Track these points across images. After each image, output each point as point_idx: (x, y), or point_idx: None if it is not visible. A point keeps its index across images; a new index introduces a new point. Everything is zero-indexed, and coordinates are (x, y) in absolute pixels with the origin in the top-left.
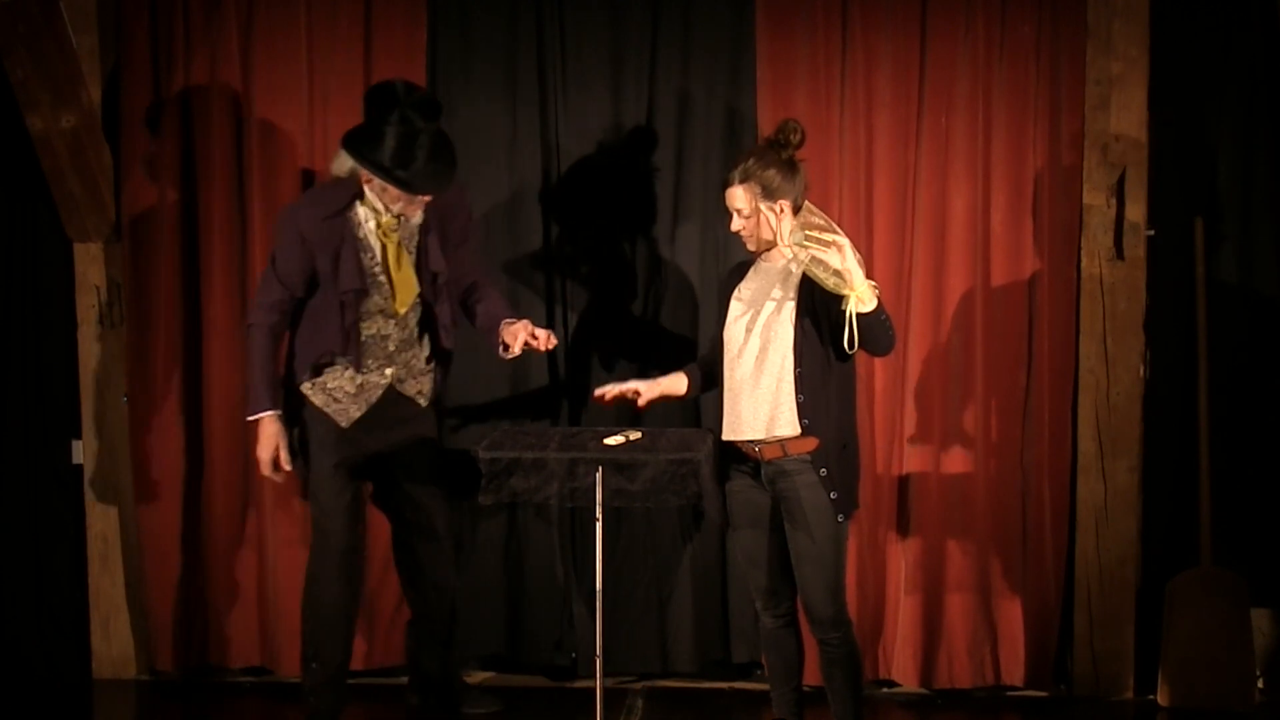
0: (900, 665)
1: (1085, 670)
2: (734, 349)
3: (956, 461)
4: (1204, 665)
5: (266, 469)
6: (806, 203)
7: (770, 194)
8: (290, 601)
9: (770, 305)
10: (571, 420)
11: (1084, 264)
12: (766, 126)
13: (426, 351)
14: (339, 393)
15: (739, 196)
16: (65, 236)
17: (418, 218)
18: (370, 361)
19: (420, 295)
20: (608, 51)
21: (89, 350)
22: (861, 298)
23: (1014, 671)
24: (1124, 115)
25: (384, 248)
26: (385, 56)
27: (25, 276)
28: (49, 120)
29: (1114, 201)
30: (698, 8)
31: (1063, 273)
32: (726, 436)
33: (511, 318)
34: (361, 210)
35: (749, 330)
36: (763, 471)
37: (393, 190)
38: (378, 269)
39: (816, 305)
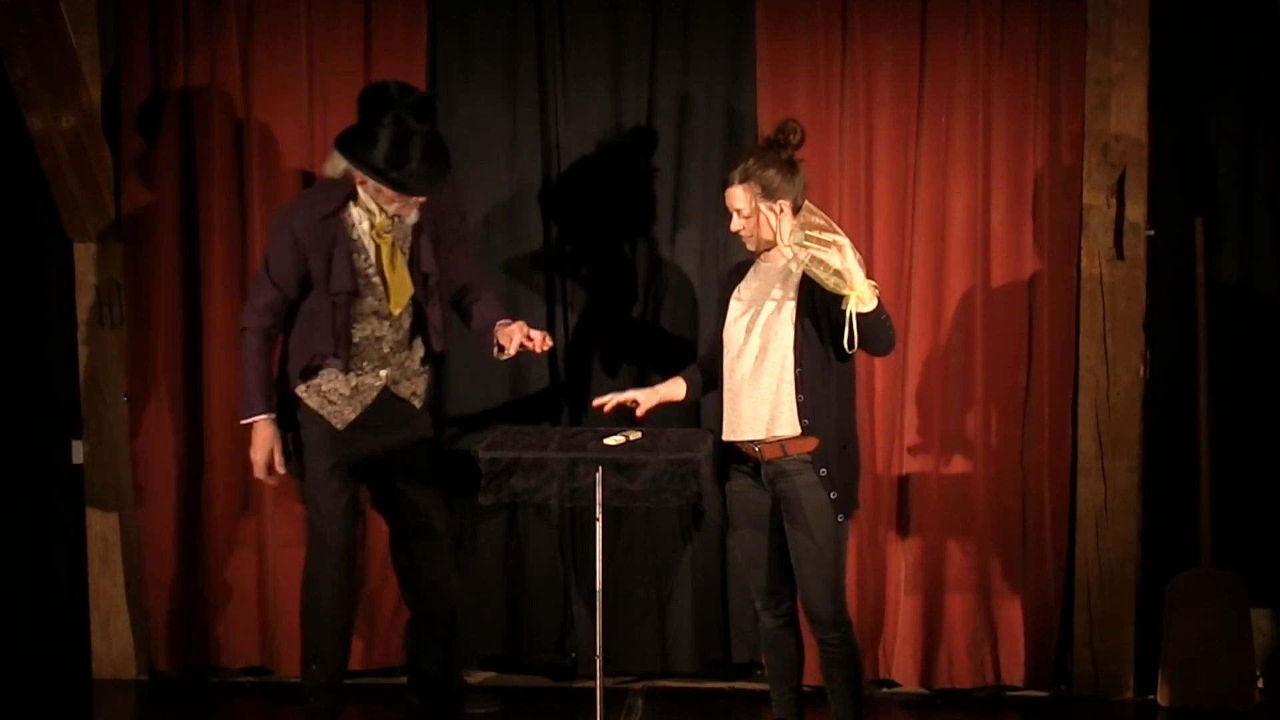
0: (900, 665)
1: (1085, 670)
2: (734, 349)
3: (956, 461)
4: (1204, 665)
5: (260, 472)
6: (806, 203)
7: (770, 194)
8: (290, 601)
9: (770, 305)
10: (572, 421)
11: (1084, 264)
12: (766, 126)
13: (421, 353)
14: (334, 395)
15: (738, 196)
16: (65, 236)
17: (412, 218)
18: (365, 363)
19: (413, 297)
20: (608, 51)
21: (89, 350)
22: (862, 297)
23: (1014, 671)
24: (1124, 115)
25: (378, 249)
26: (385, 56)
27: (25, 276)
28: (49, 120)
29: (1114, 201)
30: (698, 8)
31: (1063, 273)
32: (726, 437)
33: (506, 319)
34: (355, 211)
35: (749, 330)
36: (762, 471)
37: (387, 191)
38: (371, 270)
39: (816, 305)
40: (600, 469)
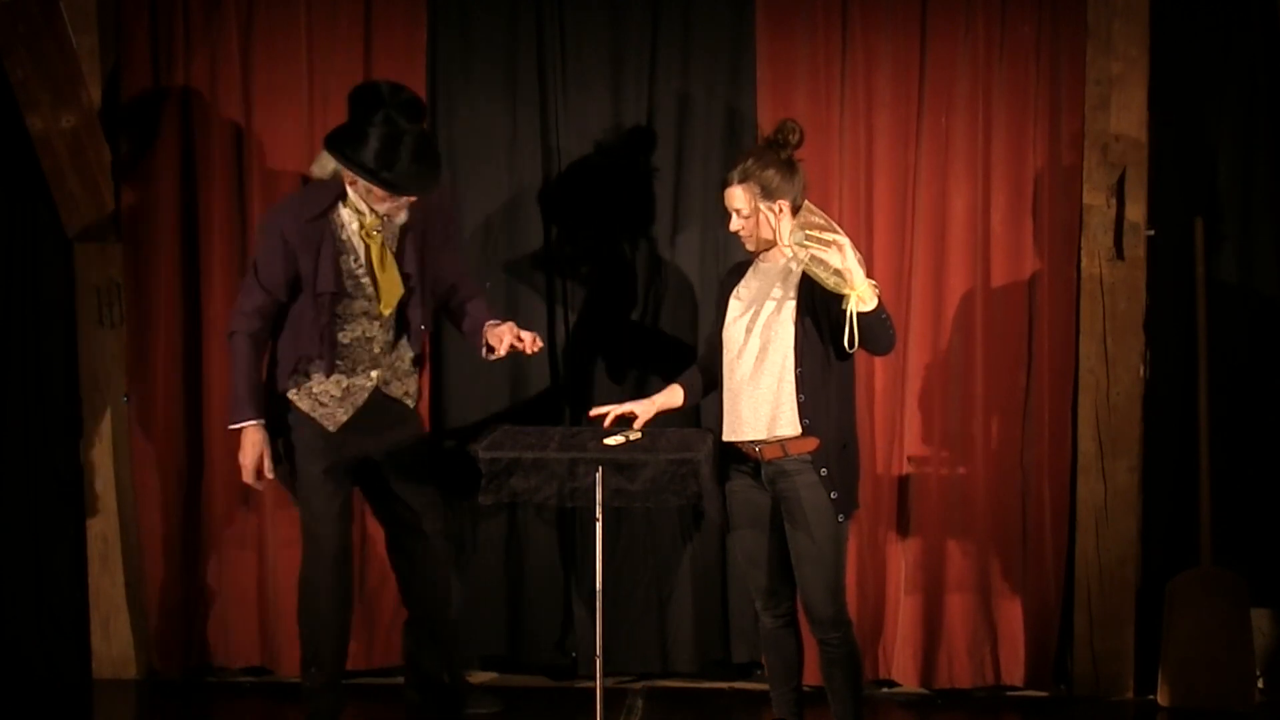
0: (900, 665)
1: (1085, 670)
2: (734, 349)
3: (956, 461)
4: (1204, 665)
5: (249, 477)
6: (806, 202)
7: (769, 194)
8: (290, 601)
9: (770, 305)
10: (572, 421)
11: (1084, 264)
12: (766, 126)
13: (411, 353)
14: (324, 396)
15: (738, 196)
16: (65, 236)
17: (401, 218)
18: (356, 364)
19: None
20: (608, 51)
21: (89, 350)
22: (862, 297)
23: (1014, 671)
24: (1124, 115)
25: (368, 249)
26: (385, 56)
27: (25, 276)
28: (49, 120)
29: (1114, 201)
30: (698, 8)
31: (1063, 273)
32: (727, 437)
33: (496, 320)
34: (345, 212)
35: (749, 330)
36: (763, 471)
37: (377, 191)
38: (361, 271)
39: (816, 304)
40: (600, 469)
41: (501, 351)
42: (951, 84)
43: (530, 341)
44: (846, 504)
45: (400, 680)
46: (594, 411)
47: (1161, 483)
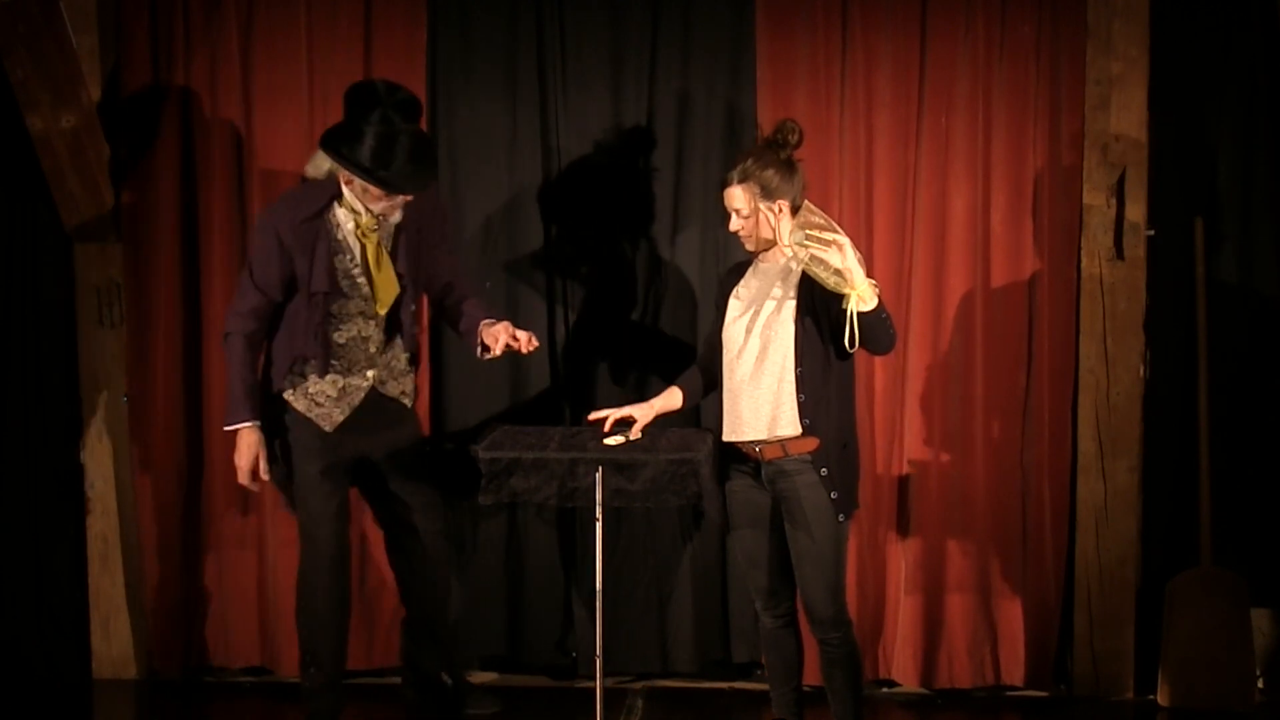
0: (900, 665)
1: (1085, 670)
2: (734, 349)
3: (956, 461)
4: (1204, 665)
5: (245, 478)
6: (806, 202)
7: (769, 194)
8: (290, 601)
9: (770, 305)
10: (572, 421)
11: (1084, 264)
12: (767, 126)
13: (407, 352)
14: (320, 397)
15: (737, 196)
16: (65, 236)
17: (396, 217)
18: (352, 364)
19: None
20: (608, 51)
21: (89, 350)
22: (862, 296)
23: (1014, 671)
24: (1124, 115)
25: (363, 248)
26: (385, 56)
27: (25, 276)
28: (49, 120)
29: (1114, 201)
30: (698, 8)
31: (1063, 273)
32: (727, 437)
33: (491, 319)
34: (340, 212)
35: (749, 330)
36: (763, 471)
37: (374, 190)
38: (357, 271)
39: (816, 304)
40: (600, 469)
41: (497, 351)
42: (951, 84)
43: (526, 341)
44: (847, 504)
45: (400, 680)
46: (593, 415)
47: (1161, 483)
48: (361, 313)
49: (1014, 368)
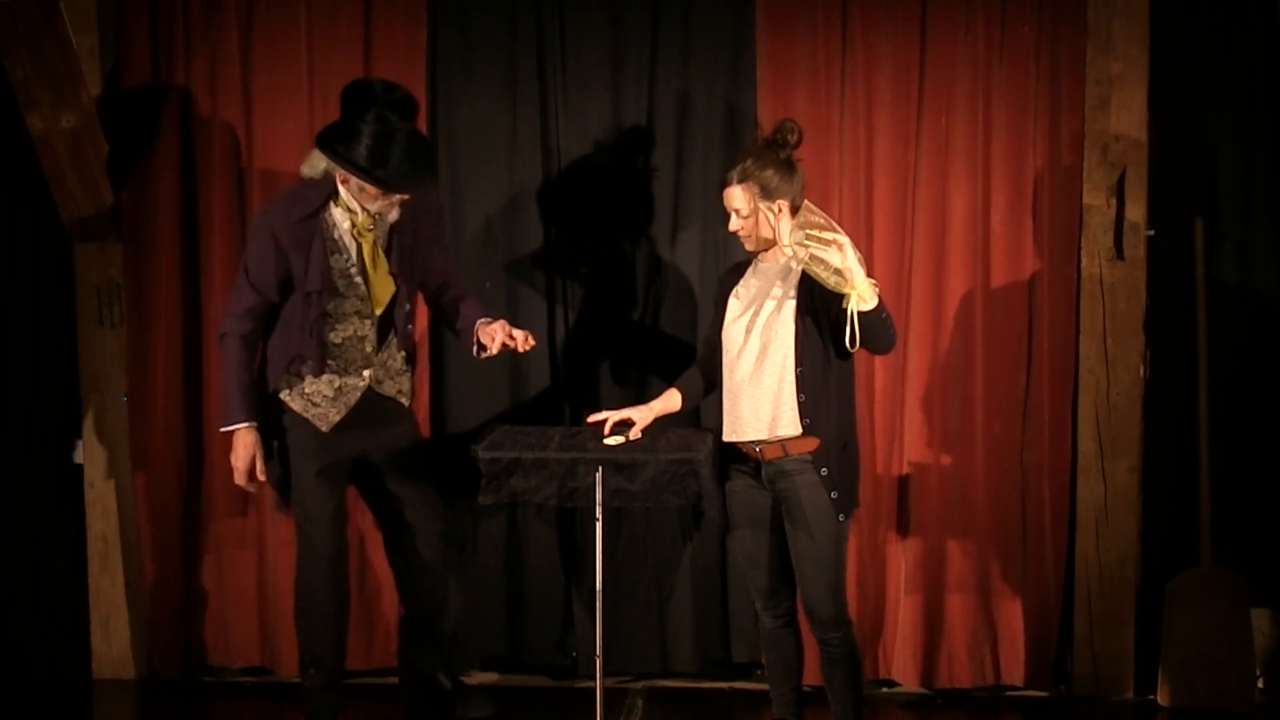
0: (900, 665)
1: (1085, 670)
2: (733, 349)
3: (956, 461)
4: (1204, 665)
5: (242, 479)
6: (806, 202)
7: (768, 194)
8: (290, 601)
9: (770, 305)
10: (572, 421)
11: (1084, 264)
12: (767, 126)
13: (403, 352)
14: (317, 397)
15: (737, 196)
16: (65, 236)
17: (393, 216)
18: (348, 364)
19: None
20: (608, 51)
21: (89, 350)
22: (863, 296)
23: (1014, 671)
24: (1124, 115)
25: (359, 248)
26: (385, 56)
27: (25, 276)
28: (49, 120)
29: (1114, 201)
30: (698, 8)
31: (1063, 273)
32: (727, 437)
33: (487, 318)
34: (336, 211)
35: (749, 331)
36: (763, 471)
37: (370, 189)
38: (353, 270)
39: (816, 304)
40: (600, 469)
41: (493, 350)
42: (951, 84)
43: (522, 339)
44: (847, 504)
45: (398, 680)
46: (591, 418)
47: (1161, 483)
48: (357, 312)
49: (1014, 368)
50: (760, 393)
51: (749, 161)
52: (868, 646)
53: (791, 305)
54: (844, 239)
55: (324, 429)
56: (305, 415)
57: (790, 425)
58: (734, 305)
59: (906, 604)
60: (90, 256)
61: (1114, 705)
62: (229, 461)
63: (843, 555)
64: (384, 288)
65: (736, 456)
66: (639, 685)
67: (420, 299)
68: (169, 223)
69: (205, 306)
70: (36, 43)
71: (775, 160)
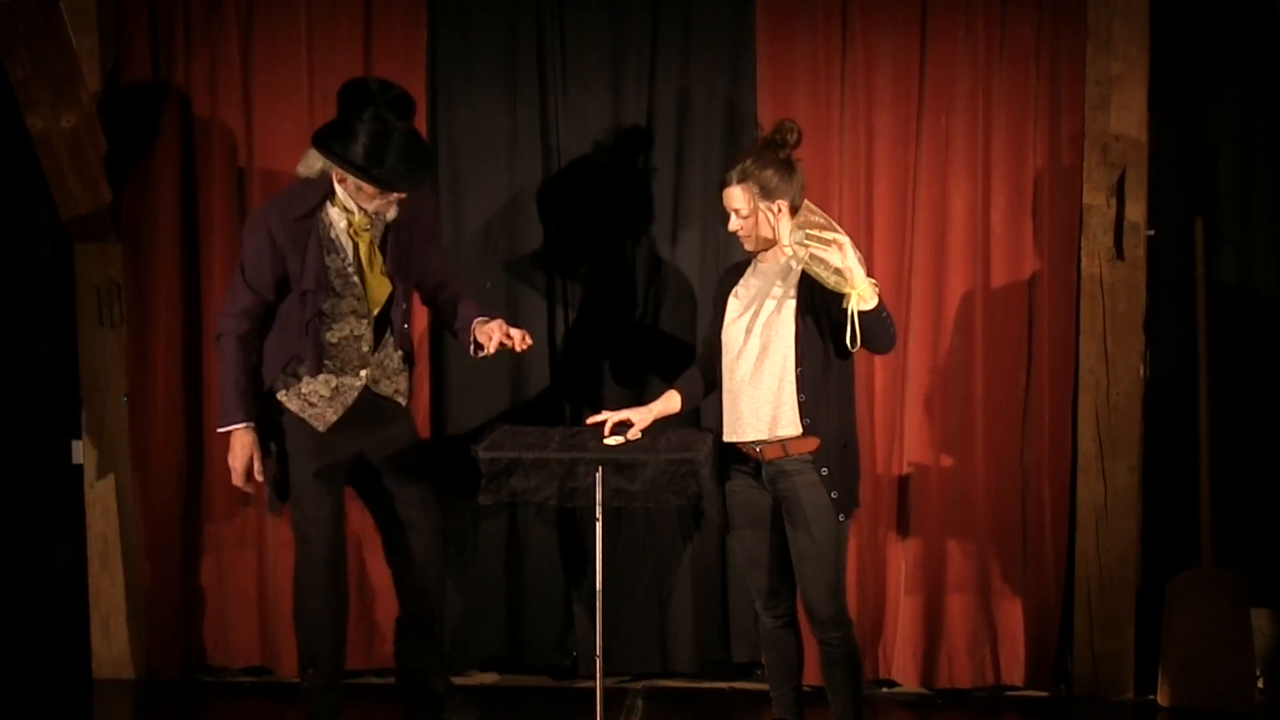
0: (900, 665)
1: (1085, 670)
2: (733, 350)
3: (956, 461)
4: (1204, 665)
5: (239, 480)
6: (806, 201)
7: (768, 194)
8: (290, 601)
9: (770, 305)
10: (572, 421)
11: (1084, 264)
12: (767, 126)
13: (400, 351)
14: (313, 397)
15: (737, 196)
16: (65, 236)
17: (390, 214)
18: (345, 364)
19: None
20: (608, 51)
21: (89, 350)
22: (863, 295)
23: (1014, 671)
24: (1124, 115)
25: (356, 247)
26: (385, 56)
27: (25, 276)
28: (49, 120)
29: (1114, 201)
30: (698, 8)
31: (1063, 273)
32: (727, 437)
33: (484, 317)
34: (333, 211)
35: (749, 331)
36: (763, 471)
37: (367, 188)
38: (350, 269)
39: (816, 304)
40: (600, 469)
41: (490, 349)
42: (951, 84)
43: (520, 339)
44: (847, 504)
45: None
46: (591, 419)
47: (1161, 483)
48: (354, 312)
49: (1014, 368)
50: (760, 393)
51: (749, 161)
52: (868, 646)
53: (791, 305)
54: (844, 239)
55: (321, 429)
56: (302, 415)
57: (790, 425)
58: (734, 305)
59: (906, 604)
60: (90, 256)
61: (1114, 705)
62: (229, 461)
63: (843, 555)
64: (380, 287)
65: (736, 456)
66: (639, 685)
67: (417, 298)
68: (169, 222)
69: (205, 306)
70: (36, 43)
71: (775, 160)
